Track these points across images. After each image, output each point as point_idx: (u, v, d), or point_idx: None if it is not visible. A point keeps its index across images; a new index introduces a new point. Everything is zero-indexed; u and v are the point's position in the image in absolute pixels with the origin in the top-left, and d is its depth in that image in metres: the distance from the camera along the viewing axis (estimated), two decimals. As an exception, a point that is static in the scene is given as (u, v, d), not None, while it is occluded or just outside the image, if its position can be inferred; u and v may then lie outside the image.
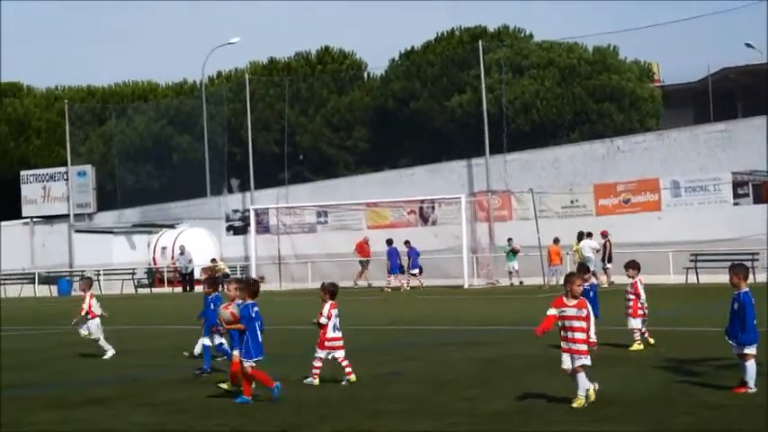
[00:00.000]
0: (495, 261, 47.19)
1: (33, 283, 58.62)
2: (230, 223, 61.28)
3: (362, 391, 13.99)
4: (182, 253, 52.70)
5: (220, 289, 17.51)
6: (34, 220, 69.62)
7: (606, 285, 37.01)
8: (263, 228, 54.88)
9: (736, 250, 38.75)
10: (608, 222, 44.60)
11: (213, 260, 47.72)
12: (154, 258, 57.76)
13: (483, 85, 51.62)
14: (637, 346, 17.68)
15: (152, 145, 69.14)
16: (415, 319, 27.81)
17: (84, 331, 19.96)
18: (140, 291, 54.65)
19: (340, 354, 14.71)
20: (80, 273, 58.40)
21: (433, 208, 52.53)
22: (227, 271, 46.46)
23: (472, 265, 45.63)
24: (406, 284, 43.97)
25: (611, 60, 59.86)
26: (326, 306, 14.58)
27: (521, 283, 42.98)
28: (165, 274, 55.58)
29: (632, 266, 18.38)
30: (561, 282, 39.45)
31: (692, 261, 40.23)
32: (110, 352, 19.82)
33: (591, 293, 18.27)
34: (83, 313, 19.91)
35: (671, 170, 47.04)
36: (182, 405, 13.29)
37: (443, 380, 14.85)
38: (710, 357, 15.67)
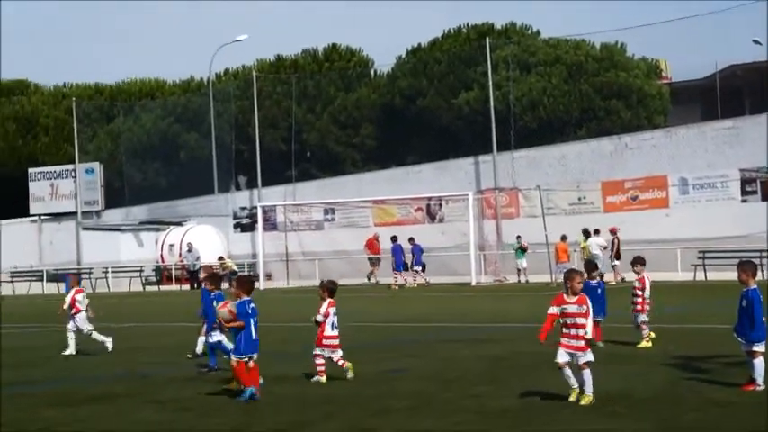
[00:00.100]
0: (502, 258, 47.14)
1: (41, 280, 58.70)
2: (238, 220, 61.35)
3: (368, 388, 13.96)
4: (189, 250, 52.74)
5: (224, 286, 17.49)
6: (42, 217, 69.73)
7: (614, 283, 36.93)
8: (271, 225, 54.90)
9: (744, 247, 38.67)
10: (616, 219, 44.50)
11: (221, 258, 47.76)
12: (161, 256, 57.81)
13: (490, 83, 51.58)
14: (645, 343, 17.63)
15: (159, 142, 69.20)
16: (421, 316, 27.77)
17: (71, 327, 19.93)
18: (148, 288, 54.71)
19: (337, 354, 14.69)
20: (88, 270, 58.56)
21: (441, 205, 52.50)
22: (235, 268, 46.49)
23: (479, 262, 45.60)
24: (412, 281, 43.98)
25: (618, 57, 59.76)
26: (324, 304, 14.55)
27: (527, 281, 42.92)
28: (173, 271, 55.62)
29: (639, 262, 18.36)
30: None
31: (699, 258, 40.17)
32: (108, 342, 19.81)
33: (599, 291, 18.26)
34: (65, 306, 19.92)
35: (679, 167, 46.97)
36: (187, 403, 13.28)
37: (450, 377, 14.82)
38: (719, 354, 15.62)
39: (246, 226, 60.23)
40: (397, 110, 63.44)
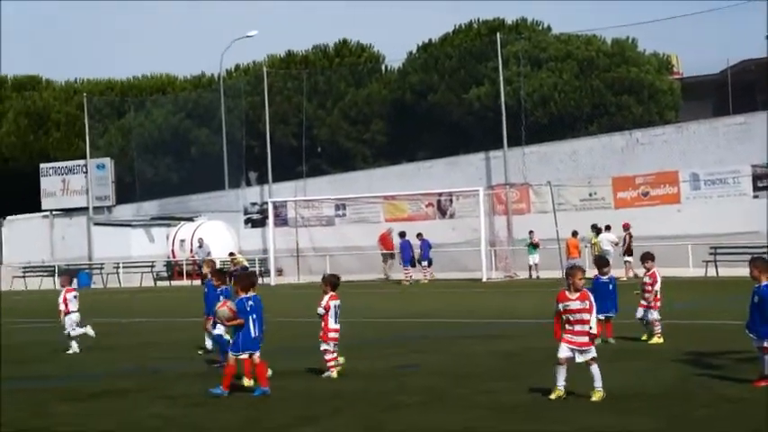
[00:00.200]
0: (513, 254, 47.10)
1: (53, 275, 58.82)
2: (248, 216, 61.39)
3: (379, 383, 13.98)
4: (200, 246, 52.78)
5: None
6: (53, 212, 69.88)
7: (625, 279, 36.87)
8: (282, 220, 54.94)
9: (755, 243, 38.56)
10: (627, 215, 44.39)
11: (231, 253, 47.76)
12: (173, 251, 57.88)
13: (501, 78, 51.50)
14: (656, 339, 17.62)
15: (170, 138, 69.27)
16: (432, 312, 27.77)
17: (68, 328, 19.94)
18: (159, 284, 54.79)
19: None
20: (99, 265, 58.69)
21: (451, 201, 52.47)
22: (246, 264, 46.49)
23: (490, 258, 45.54)
24: (423, 277, 44.05)
25: (629, 53, 59.59)
26: (326, 297, 14.61)
27: (537, 277, 42.90)
28: (184, 266, 55.69)
29: (649, 258, 18.35)
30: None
31: (711, 254, 40.05)
32: (72, 349, 19.68)
33: (610, 287, 18.25)
34: (60, 308, 19.85)
35: (690, 163, 46.86)
36: (199, 398, 13.31)
37: (462, 373, 14.82)
38: (730, 351, 15.60)
39: (257, 221, 60.27)
40: (408, 105, 63.39)
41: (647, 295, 17.99)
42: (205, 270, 19.86)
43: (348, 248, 51.05)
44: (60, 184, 69.21)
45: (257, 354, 13.40)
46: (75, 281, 21.84)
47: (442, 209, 53.33)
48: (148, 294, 44.77)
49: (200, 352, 18.10)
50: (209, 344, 17.71)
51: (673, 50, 67.64)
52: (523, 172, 50.77)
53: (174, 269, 57.25)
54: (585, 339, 12.10)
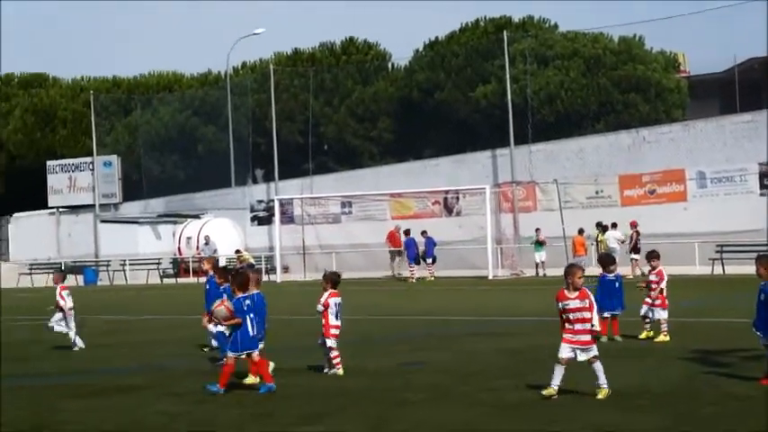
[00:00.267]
0: (519, 252, 47.08)
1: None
2: (255, 213, 61.44)
3: (385, 380, 13.97)
4: (207, 243, 52.84)
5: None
6: (60, 209, 70.01)
7: (632, 277, 36.82)
8: (288, 218, 54.95)
9: (762, 241, 38.52)
10: (633, 213, 44.33)
11: (238, 251, 47.81)
12: (179, 248, 57.96)
13: (508, 76, 51.44)
14: (662, 337, 17.59)
15: (177, 135, 69.35)
16: (438, 309, 27.77)
17: (68, 324, 19.93)
18: (166, 281, 54.84)
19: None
20: (106, 262, 58.76)
21: (458, 198, 52.46)
22: (252, 261, 46.52)
23: (496, 255, 45.53)
24: (428, 274, 44.06)
25: (636, 51, 59.52)
26: (325, 294, 14.63)
27: (543, 275, 42.87)
28: (191, 264, 55.75)
29: (655, 256, 18.32)
30: (585, 273, 39.22)
31: (717, 252, 39.99)
32: (77, 345, 19.65)
33: (617, 284, 18.23)
34: (61, 305, 19.78)
35: (697, 161, 46.79)
36: (204, 395, 13.31)
37: (467, 370, 14.81)
38: (737, 348, 15.57)
39: (263, 219, 60.32)
40: (415, 103, 63.38)
41: (652, 293, 17.97)
42: (206, 267, 19.89)
43: (354, 246, 51.06)
44: (67, 181, 69.37)
45: (256, 352, 13.40)
46: (67, 278, 21.72)
47: (449, 206, 53.32)
48: (155, 291, 44.81)
49: (205, 349, 18.10)
50: (215, 342, 17.75)
51: (680, 48, 67.59)
52: (530, 170, 50.73)
53: (180, 266, 57.34)
54: (587, 338, 12.08)
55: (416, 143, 64.24)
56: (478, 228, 45.34)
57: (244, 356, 13.35)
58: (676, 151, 47.69)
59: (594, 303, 12.31)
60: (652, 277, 18.10)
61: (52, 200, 69.93)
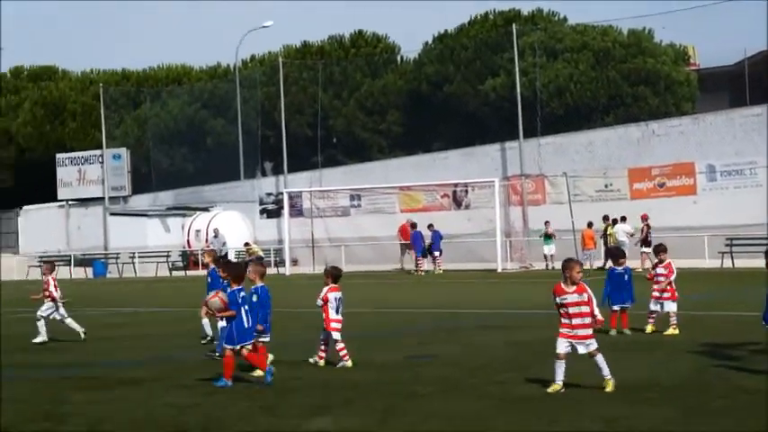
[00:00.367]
0: (528, 245, 47.05)
1: (69, 265, 59.02)
2: (264, 206, 61.47)
3: (393, 373, 13.96)
4: (215, 236, 52.87)
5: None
6: (70, 202, 70.12)
7: (641, 270, 36.77)
8: (297, 211, 54.98)
9: (772, 235, 38.44)
10: (643, 206, 44.28)
11: (247, 243, 47.85)
12: (188, 241, 58.02)
13: (517, 69, 51.40)
14: (672, 331, 17.55)
15: (186, 128, 69.41)
16: (447, 302, 27.75)
17: (63, 314, 19.90)
18: (175, 273, 54.92)
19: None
20: (115, 255, 58.85)
21: (467, 191, 52.43)
22: (261, 254, 46.56)
23: (505, 248, 45.53)
24: (435, 267, 44.08)
25: (646, 43, 59.40)
26: (324, 289, 14.67)
27: (552, 268, 42.85)
28: (200, 256, 55.80)
29: (663, 250, 18.30)
30: (595, 266, 39.33)
31: (727, 245, 39.93)
32: (40, 338, 19.59)
33: (626, 277, 18.19)
34: (56, 294, 19.81)
35: (706, 154, 46.69)
36: (213, 388, 13.30)
37: (476, 363, 14.78)
38: (746, 342, 15.52)
39: (272, 212, 60.33)
40: (424, 96, 63.34)
41: (656, 287, 17.93)
42: (206, 259, 20.04)
43: (363, 239, 51.09)
44: (76, 174, 69.48)
45: (249, 344, 13.40)
46: (57, 269, 21.74)
47: (458, 200, 53.29)
48: (164, 284, 44.86)
49: (203, 342, 18.10)
50: (208, 330, 17.86)
51: (689, 41, 67.46)
52: (539, 163, 50.69)
53: (189, 259, 57.43)
54: (586, 332, 12.01)
55: (425, 136, 64.20)
56: (487, 221, 45.34)
57: (239, 348, 13.33)
58: (686, 144, 47.59)
59: (593, 297, 12.24)
60: (661, 270, 18.05)
61: (61, 193, 70.05)
